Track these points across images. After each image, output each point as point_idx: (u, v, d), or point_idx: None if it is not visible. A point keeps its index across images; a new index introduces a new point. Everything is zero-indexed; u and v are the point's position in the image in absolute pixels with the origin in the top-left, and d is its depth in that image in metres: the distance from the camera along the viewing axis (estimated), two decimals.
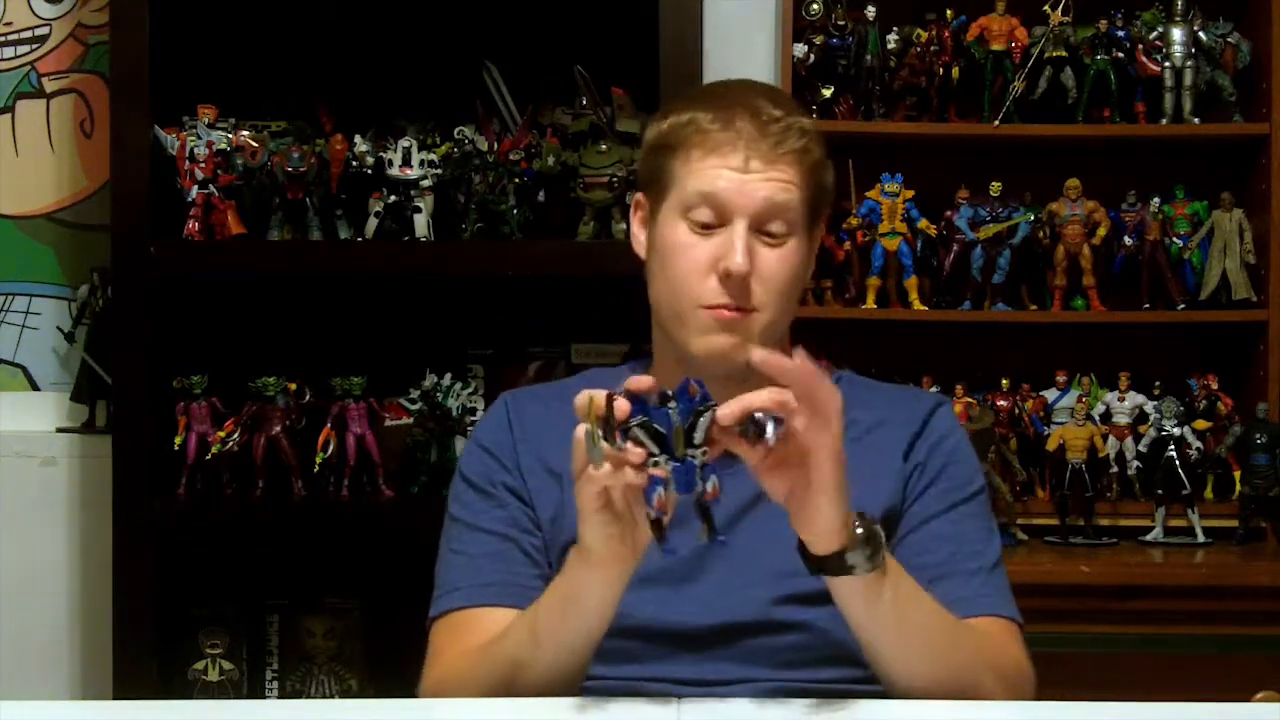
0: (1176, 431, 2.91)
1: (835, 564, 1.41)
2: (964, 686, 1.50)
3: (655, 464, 1.33)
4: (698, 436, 1.33)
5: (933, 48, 2.96)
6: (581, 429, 1.35)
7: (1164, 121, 2.96)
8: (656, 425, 1.33)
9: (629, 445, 1.33)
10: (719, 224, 1.59)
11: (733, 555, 1.60)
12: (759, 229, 1.59)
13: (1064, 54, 2.95)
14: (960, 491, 1.66)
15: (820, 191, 1.65)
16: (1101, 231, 2.99)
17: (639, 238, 1.70)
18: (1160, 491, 2.90)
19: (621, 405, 1.33)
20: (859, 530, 1.41)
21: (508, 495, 1.67)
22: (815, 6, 2.98)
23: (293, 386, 2.77)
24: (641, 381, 1.35)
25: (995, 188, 2.99)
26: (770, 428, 1.34)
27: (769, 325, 1.61)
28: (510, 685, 1.52)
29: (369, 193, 2.73)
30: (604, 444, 1.32)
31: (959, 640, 1.53)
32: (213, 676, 2.79)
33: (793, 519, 1.40)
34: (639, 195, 1.71)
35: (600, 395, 1.34)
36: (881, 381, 1.84)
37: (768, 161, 1.59)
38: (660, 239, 1.64)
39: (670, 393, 1.34)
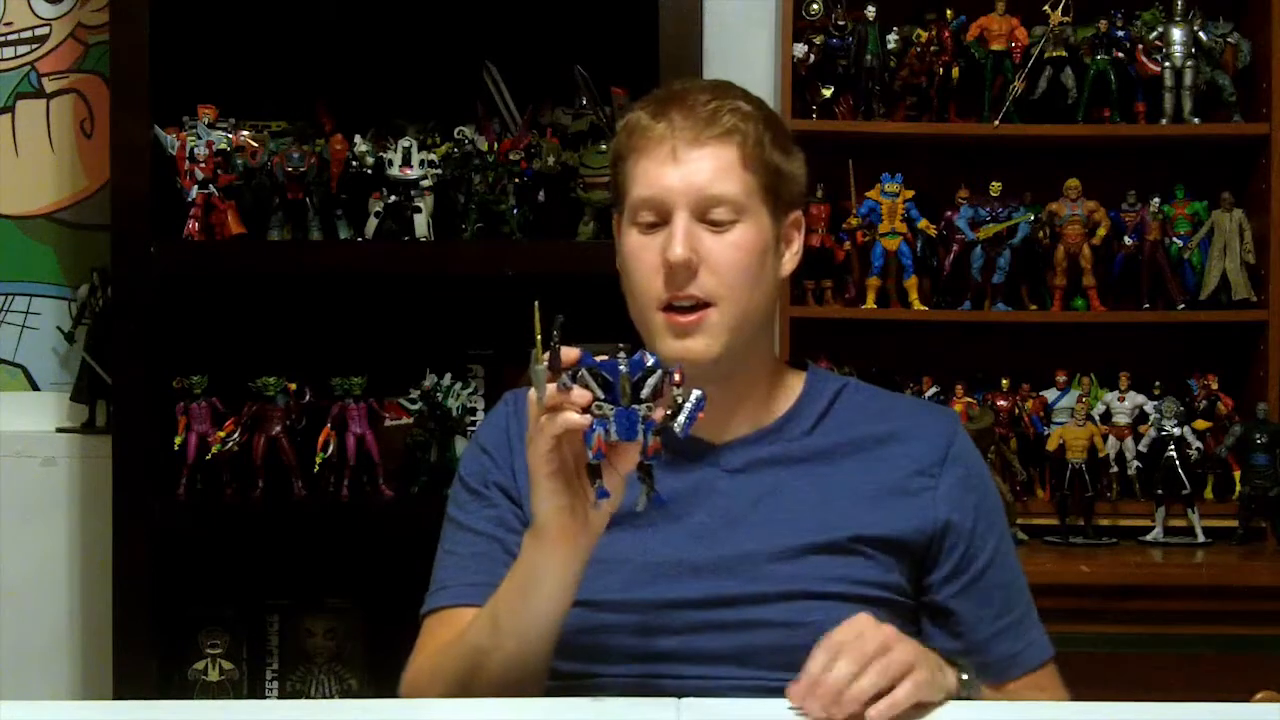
0: (1176, 431, 2.91)
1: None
2: None
3: (600, 407, 1.38)
4: (644, 393, 1.38)
5: (933, 48, 2.96)
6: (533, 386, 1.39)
7: (1164, 121, 2.96)
8: (605, 374, 1.38)
9: (575, 387, 1.37)
10: (664, 222, 1.59)
11: (729, 554, 1.60)
12: (702, 218, 1.59)
13: (1064, 54, 2.95)
14: (999, 529, 1.67)
15: (775, 174, 1.62)
16: (1101, 231, 2.98)
17: (617, 249, 1.70)
18: (1160, 491, 2.90)
19: (569, 352, 1.38)
20: (963, 678, 1.48)
21: (499, 495, 1.67)
22: (815, 6, 2.98)
23: (293, 386, 2.77)
24: (601, 346, 1.39)
25: (995, 188, 2.99)
26: (691, 402, 1.40)
27: (733, 319, 1.59)
28: (473, 675, 1.52)
29: (369, 193, 2.73)
30: (549, 384, 1.37)
31: None
32: (213, 676, 2.79)
33: None
34: (614, 210, 1.71)
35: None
36: (886, 390, 1.82)
37: (694, 146, 1.58)
38: (619, 250, 1.65)
39: (621, 352, 1.39)
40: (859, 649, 1.38)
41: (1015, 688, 1.65)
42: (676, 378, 1.39)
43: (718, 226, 1.59)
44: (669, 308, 1.59)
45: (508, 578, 1.52)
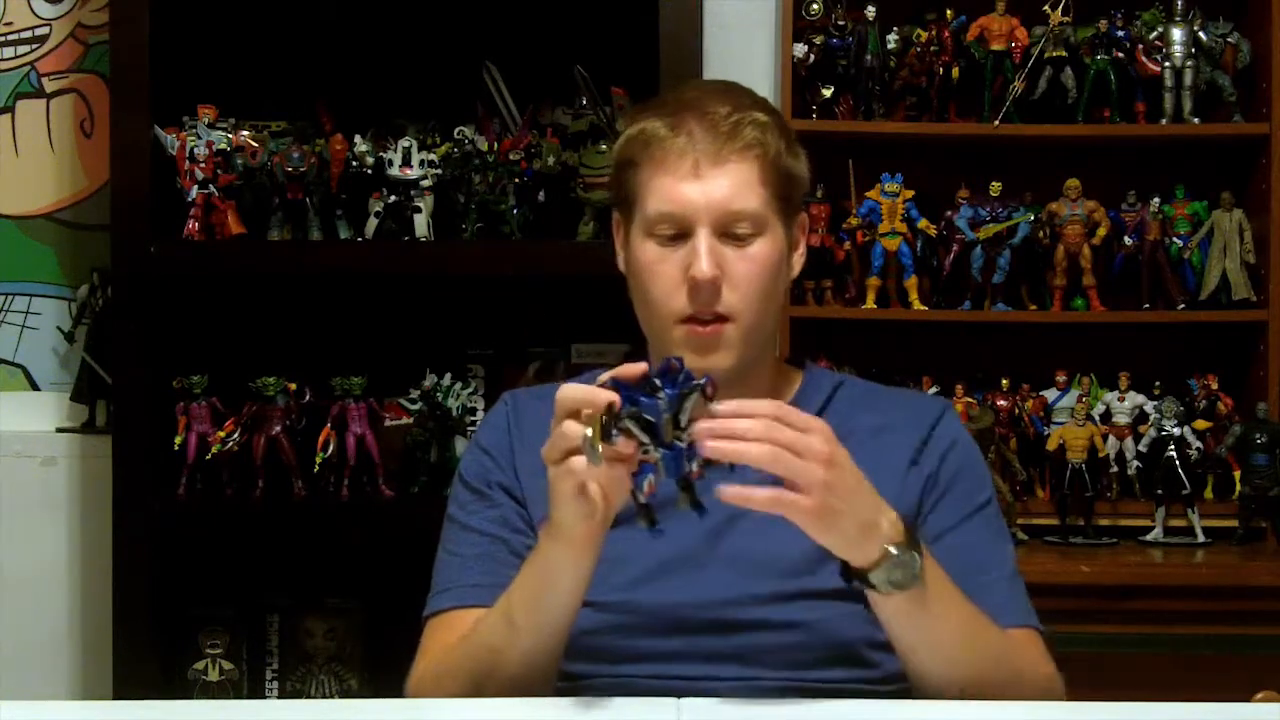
0: (1176, 431, 2.91)
1: (860, 579, 1.43)
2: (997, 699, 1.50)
3: (645, 451, 1.35)
4: (683, 419, 1.35)
5: (933, 48, 2.96)
6: (568, 424, 1.37)
7: (1164, 121, 2.96)
8: (646, 415, 1.35)
9: (621, 439, 1.34)
10: (683, 235, 1.59)
11: (732, 552, 1.60)
12: (724, 233, 1.58)
13: (1064, 54, 2.95)
14: (972, 501, 1.65)
15: (788, 181, 1.62)
16: (1101, 231, 2.99)
17: (620, 256, 1.69)
18: (1160, 491, 2.90)
19: (607, 396, 1.35)
20: (892, 550, 1.42)
21: (501, 495, 1.67)
22: (815, 6, 2.98)
23: (293, 386, 2.77)
24: (628, 370, 1.37)
25: (995, 188, 2.99)
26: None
27: (747, 331, 1.60)
28: (488, 674, 1.52)
29: (369, 193, 2.73)
30: (602, 446, 1.34)
31: (998, 656, 1.53)
32: (213, 676, 2.79)
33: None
34: (615, 214, 1.70)
35: (598, 400, 1.35)
36: (883, 384, 1.83)
37: (718, 163, 1.58)
38: (633, 260, 1.64)
39: (656, 380, 1.36)
40: (799, 439, 1.37)
41: None
42: (710, 391, 1.36)
43: (739, 240, 1.59)
44: (688, 319, 1.59)
45: (521, 575, 1.52)
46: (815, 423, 1.39)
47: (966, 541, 1.62)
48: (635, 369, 1.37)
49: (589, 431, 1.34)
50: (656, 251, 1.60)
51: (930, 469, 1.65)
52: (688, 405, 1.35)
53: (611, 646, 1.58)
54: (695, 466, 1.35)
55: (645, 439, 1.35)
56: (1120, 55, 2.97)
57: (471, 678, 1.53)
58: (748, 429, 1.36)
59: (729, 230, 1.58)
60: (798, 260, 1.69)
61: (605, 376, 1.38)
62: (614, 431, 1.34)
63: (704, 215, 1.57)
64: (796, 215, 1.66)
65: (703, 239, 1.57)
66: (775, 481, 1.39)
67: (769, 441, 1.36)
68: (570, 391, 1.38)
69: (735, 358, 1.60)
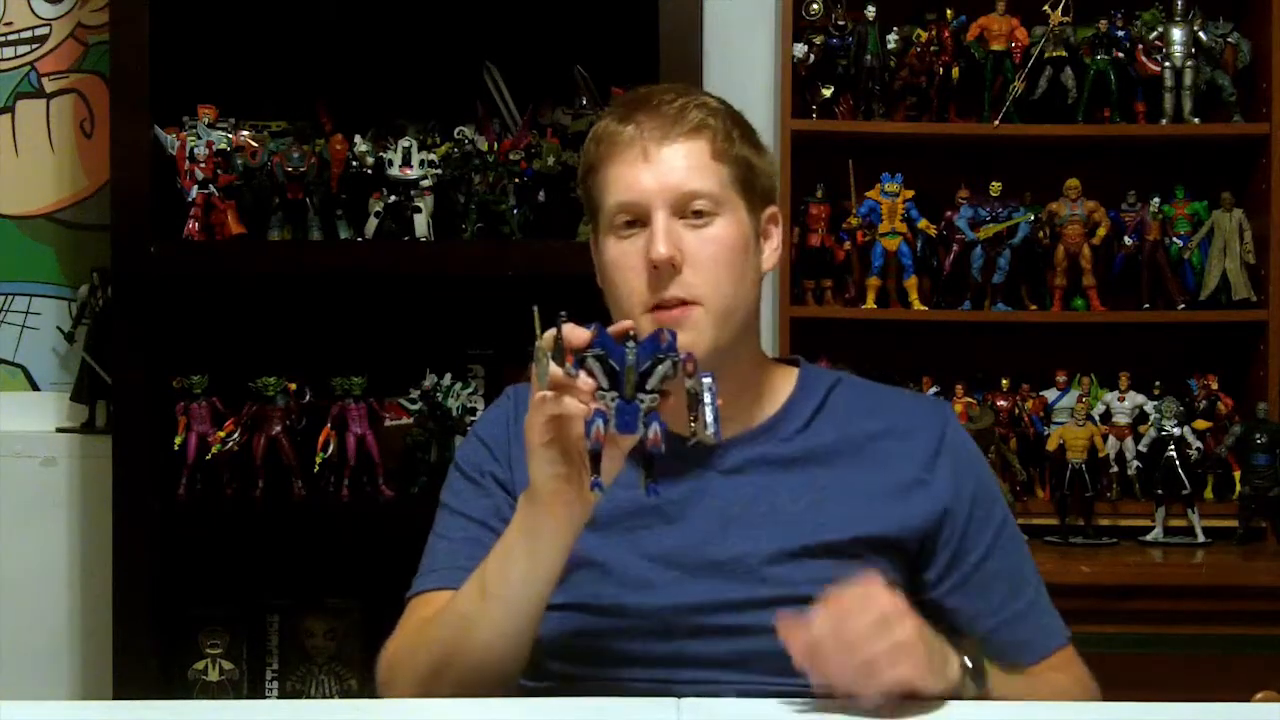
0: (1176, 431, 2.91)
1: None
2: None
3: (602, 397, 1.35)
4: (651, 382, 1.35)
5: (933, 48, 2.96)
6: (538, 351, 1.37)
7: (1164, 121, 2.96)
8: (612, 361, 1.35)
9: (580, 374, 1.35)
10: (642, 224, 1.59)
11: (723, 557, 1.59)
12: (681, 215, 1.58)
13: (1064, 54, 2.95)
14: (998, 518, 1.65)
15: (747, 167, 1.62)
16: (1101, 231, 2.99)
17: (596, 264, 1.68)
18: (1160, 491, 2.90)
19: (579, 334, 1.35)
20: (968, 666, 1.45)
21: (495, 486, 1.67)
22: (815, 6, 2.98)
23: (293, 386, 2.77)
24: (618, 326, 1.38)
25: (995, 188, 2.99)
26: (707, 396, 1.37)
27: (717, 316, 1.58)
28: (458, 645, 1.51)
29: (369, 193, 2.73)
30: (553, 366, 1.34)
31: (1054, 698, 1.56)
32: (213, 676, 2.79)
33: None
34: (591, 226, 1.69)
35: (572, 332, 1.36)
36: (880, 384, 1.82)
37: (665, 144, 1.58)
38: (599, 260, 1.64)
39: (635, 335, 1.36)
40: (863, 617, 1.37)
41: (1032, 672, 1.62)
42: (689, 367, 1.36)
43: (697, 220, 1.58)
44: (655, 308, 1.58)
45: (498, 543, 1.51)
46: (876, 612, 1.39)
47: (1001, 567, 1.63)
48: (624, 325, 1.38)
49: (539, 346, 1.35)
50: (618, 246, 1.60)
51: (945, 500, 1.62)
52: (659, 370, 1.35)
53: (603, 649, 1.57)
54: (651, 433, 1.35)
55: (604, 383, 1.35)
56: (1120, 55, 2.97)
57: (443, 649, 1.52)
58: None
59: (686, 211, 1.58)
60: (770, 253, 1.67)
61: (594, 327, 1.39)
62: (577, 368, 1.35)
63: (657, 198, 1.57)
64: (764, 207, 1.65)
65: (658, 221, 1.57)
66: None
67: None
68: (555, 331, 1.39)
69: (707, 343, 1.57)
